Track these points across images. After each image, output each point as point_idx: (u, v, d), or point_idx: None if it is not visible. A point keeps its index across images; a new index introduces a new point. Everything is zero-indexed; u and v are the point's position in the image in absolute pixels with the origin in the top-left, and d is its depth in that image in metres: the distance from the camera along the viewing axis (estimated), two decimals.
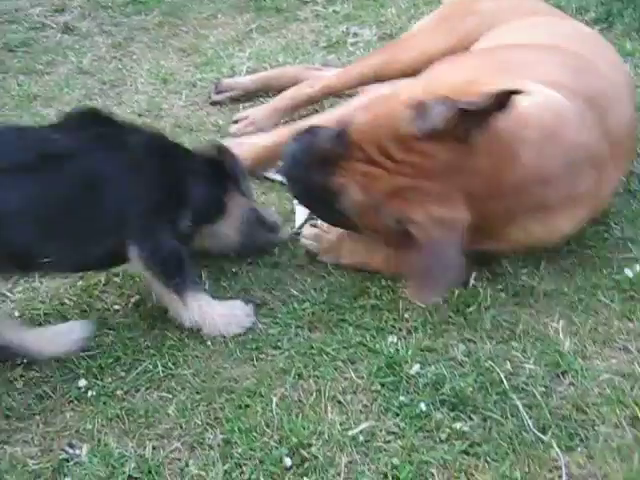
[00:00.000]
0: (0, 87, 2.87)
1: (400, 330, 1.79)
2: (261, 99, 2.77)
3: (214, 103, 2.77)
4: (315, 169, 1.78)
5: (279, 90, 2.71)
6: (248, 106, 2.71)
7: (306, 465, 1.48)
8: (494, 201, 1.70)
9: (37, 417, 1.59)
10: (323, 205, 1.84)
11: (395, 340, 1.75)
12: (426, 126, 1.62)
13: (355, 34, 3.33)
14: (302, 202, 2.02)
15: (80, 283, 1.92)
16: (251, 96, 2.78)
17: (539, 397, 1.62)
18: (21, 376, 1.68)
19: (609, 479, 1.48)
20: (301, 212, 2.13)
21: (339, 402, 1.62)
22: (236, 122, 2.60)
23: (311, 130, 1.87)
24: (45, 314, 1.83)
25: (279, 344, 1.75)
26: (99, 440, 1.53)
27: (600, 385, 1.67)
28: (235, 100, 2.77)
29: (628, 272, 1.93)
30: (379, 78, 2.55)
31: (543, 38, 2.17)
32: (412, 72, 2.32)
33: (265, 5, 3.64)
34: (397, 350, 1.72)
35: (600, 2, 3.54)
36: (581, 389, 1.65)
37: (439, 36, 2.54)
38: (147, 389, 1.65)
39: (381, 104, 1.78)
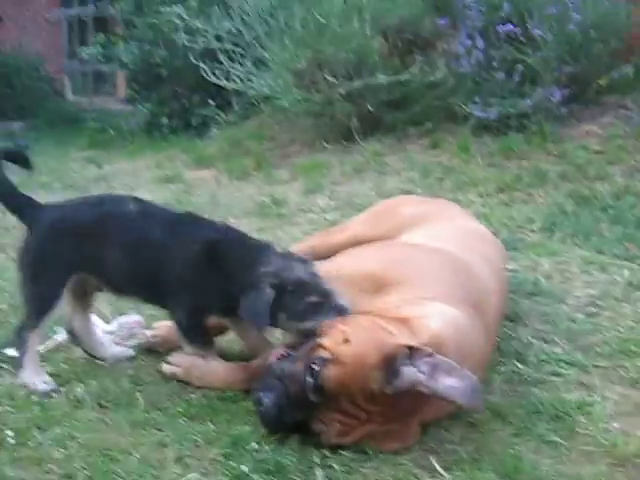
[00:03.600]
0: None
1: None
2: None
3: None
4: (293, 413, 2.11)
5: None
6: None
7: None
8: None
9: None
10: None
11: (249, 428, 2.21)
12: (398, 388, 1.99)
13: None
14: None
15: None
16: None
17: None
18: None
19: None
20: None
21: (186, 464, 2.07)
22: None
23: (280, 375, 2.15)
24: None
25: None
26: None
27: None
28: None
29: None
30: (317, 254, 3.06)
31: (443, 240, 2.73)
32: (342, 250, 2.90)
33: None
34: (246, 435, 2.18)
35: (545, 214, 4.15)
36: None
37: (368, 226, 3.20)
38: None
39: (350, 358, 2.03)
